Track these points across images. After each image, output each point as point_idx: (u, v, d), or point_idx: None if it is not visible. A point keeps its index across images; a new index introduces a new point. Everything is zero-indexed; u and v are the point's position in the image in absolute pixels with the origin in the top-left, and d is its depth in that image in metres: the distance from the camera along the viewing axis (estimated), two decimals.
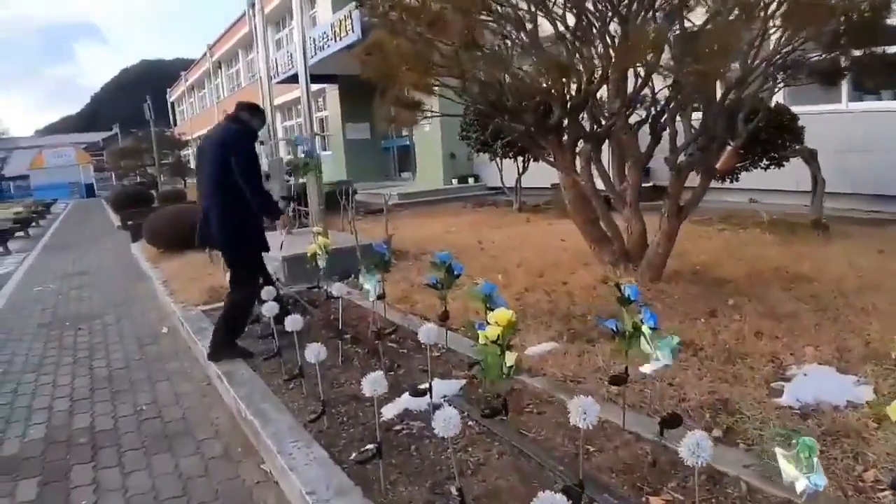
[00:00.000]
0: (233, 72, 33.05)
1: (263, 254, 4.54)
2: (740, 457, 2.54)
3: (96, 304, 7.11)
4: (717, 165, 4.10)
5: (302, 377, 3.40)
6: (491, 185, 14.29)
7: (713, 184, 7.16)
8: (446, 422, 1.96)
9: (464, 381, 3.46)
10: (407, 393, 3.28)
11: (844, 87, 8.30)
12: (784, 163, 7.17)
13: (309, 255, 4.97)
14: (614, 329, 2.70)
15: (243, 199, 4.07)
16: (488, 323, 3.05)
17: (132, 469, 3.15)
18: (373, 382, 2.28)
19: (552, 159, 4.79)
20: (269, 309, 3.70)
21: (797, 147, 7.00)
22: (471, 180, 14.74)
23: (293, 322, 3.27)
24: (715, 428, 2.74)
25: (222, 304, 5.73)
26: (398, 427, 2.97)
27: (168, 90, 49.25)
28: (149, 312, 6.50)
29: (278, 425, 3.07)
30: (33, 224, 18.90)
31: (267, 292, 4.06)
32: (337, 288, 3.84)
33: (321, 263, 4.52)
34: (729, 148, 3.99)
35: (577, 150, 4.80)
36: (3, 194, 42.25)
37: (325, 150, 20.27)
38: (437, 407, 3.05)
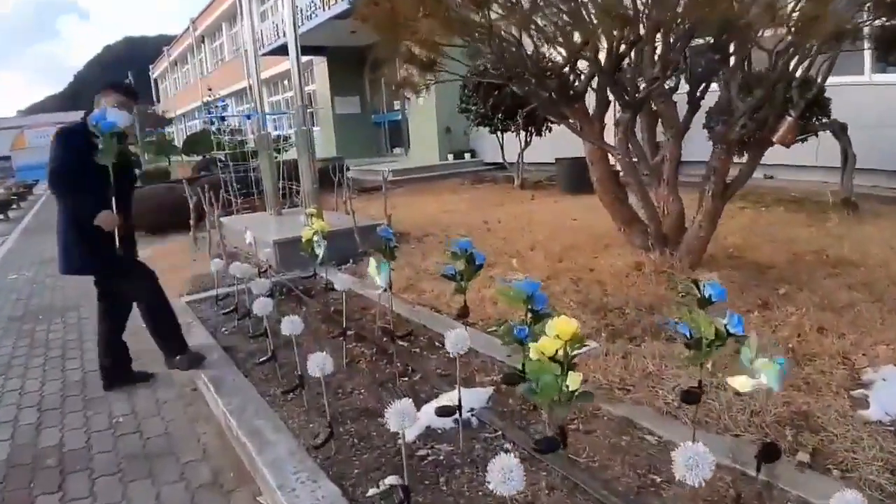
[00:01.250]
0: (217, 45, 32.02)
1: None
2: (836, 487, 2.10)
3: (71, 294, 6.55)
4: (775, 138, 3.62)
5: (302, 388, 2.91)
6: (489, 160, 13.75)
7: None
8: (505, 475, 1.49)
9: (491, 390, 3.00)
10: (427, 407, 2.81)
11: (867, 58, 7.82)
12: (809, 137, 6.70)
13: (304, 240, 4.45)
14: (687, 335, 2.22)
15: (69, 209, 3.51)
16: (528, 326, 2.58)
17: (106, 501, 2.67)
18: (400, 414, 1.80)
19: (579, 130, 4.27)
20: (261, 306, 3.19)
21: (825, 120, 6.53)
22: (467, 156, 14.17)
23: (291, 325, 2.77)
24: (800, 451, 2.29)
25: (208, 294, 5.26)
26: (422, 452, 2.50)
27: (151, 66, 47.88)
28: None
29: (277, 449, 2.59)
30: (13, 206, 18.14)
31: (258, 285, 3.56)
32: (340, 281, 3.34)
33: (319, 251, 4.00)
34: (789, 119, 3.51)
35: (611, 120, 4.28)
36: None
37: (314, 125, 19.58)
38: (465, 424, 2.60)
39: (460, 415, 2.48)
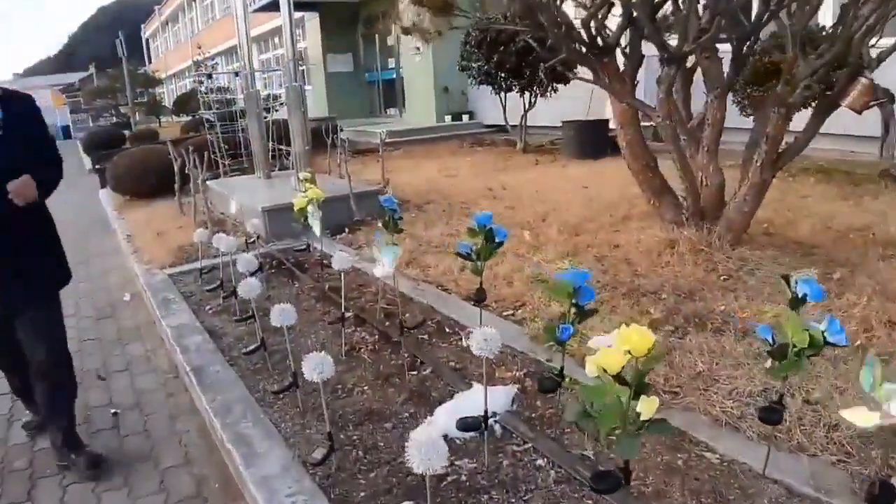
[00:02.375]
0: (208, 3, 30.96)
1: None
2: None
3: None
4: (845, 103, 3.17)
5: (297, 387, 2.51)
6: (488, 122, 13.18)
7: (739, 122, 6.24)
8: None
9: (514, 389, 2.61)
10: (442, 410, 2.43)
11: None
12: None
13: (297, 208, 4.00)
14: (770, 341, 1.83)
15: None
16: (572, 323, 2.18)
17: None
18: (427, 451, 1.41)
19: (608, 88, 3.80)
20: (248, 288, 2.77)
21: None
22: (465, 117, 13.57)
23: (282, 314, 2.35)
24: None
25: (192, 266, 4.82)
26: (439, 471, 2.12)
27: (142, 26, 46.39)
28: (109, 274, 5.54)
29: (268, 463, 2.20)
30: None
31: (245, 261, 3.13)
32: (339, 259, 2.91)
33: (314, 224, 3.56)
34: (863, 80, 3.06)
35: (638, 78, 3.81)
36: None
37: (305, 83, 18.82)
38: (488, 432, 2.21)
39: (485, 427, 2.10)
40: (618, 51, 3.87)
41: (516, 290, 3.55)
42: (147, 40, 46.48)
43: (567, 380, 2.44)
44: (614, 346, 1.55)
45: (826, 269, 3.46)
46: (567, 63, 4.06)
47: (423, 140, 12.22)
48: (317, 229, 3.56)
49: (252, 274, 3.04)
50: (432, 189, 6.87)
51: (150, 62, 43.34)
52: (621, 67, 3.90)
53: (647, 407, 1.56)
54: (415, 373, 2.82)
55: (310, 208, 3.55)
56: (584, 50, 3.68)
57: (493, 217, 4.96)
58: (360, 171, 7.70)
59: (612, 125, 9.60)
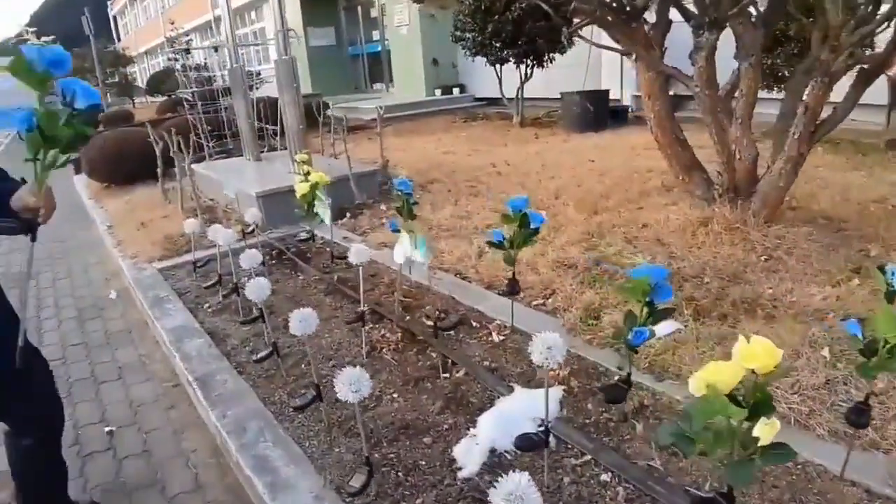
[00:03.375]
0: None
1: None
2: None
3: (17, 258, 5.71)
4: (893, 71, 2.90)
5: (321, 400, 2.22)
6: (480, 95, 12.80)
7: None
8: None
9: (560, 391, 2.35)
10: (485, 419, 2.16)
11: None
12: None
13: (299, 195, 3.68)
14: (860, 336, 1.58)
15: None
16: (646, 325, 1.91)
17: None
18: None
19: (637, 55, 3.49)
20: (256, 290, 2.46)
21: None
22: (456, 91, 13.16)
23: (303, 322, 2.05)
24: None
25: (184, 259, 4.49)
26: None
27: (109, 2, 44.73)
28: (92, 269, 5.17)
29: (297, 494, 1.92)
30: None
31: (249, 258, 2.81)
32: (357, 253, 2.60)
33: (323, 213, 3.24)
34: None
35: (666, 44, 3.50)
36: None
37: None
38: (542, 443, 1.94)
39: (546, 445, 1.83)
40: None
41: (543, 278, 3.27)
42: (115, 17, 44.90)
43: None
44: (731, 361, 1.28)
45: (860, 245, 3.23)
46: (570, 29, 3.73)
47: (413, 115, 11.82)
48: (326, 219, 3.25)
49: (259, 273, 2.73)
50: (432, 167, 6.54)
51: (119, 40, 41.94)
52: None
53: (766, 431, 1.30)
54: (447, 375, 2.54)
55: (319, 196, 3.22)
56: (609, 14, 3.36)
57: (504, 196, 4.67)
58: (351, 150, 7.25)
59: (612, 95, 9.32)
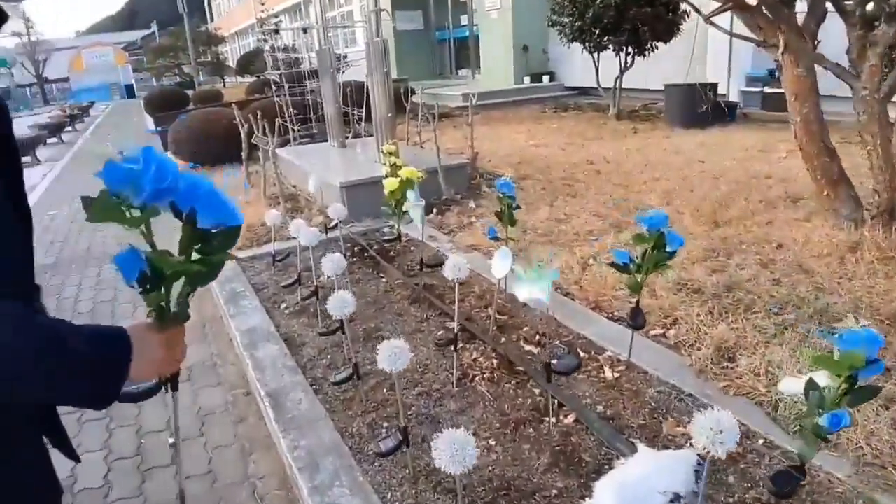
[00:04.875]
0: None
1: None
2: None
3: (109, 239, 5.72)
4: None
5: (408, 446, 1.88)
6: (570, 84, 12.18)
7: (828, 89, 5.16)
8: None
9: (694, 457, 1.90)
10: (604, 486, 1.76)
11: None
12: None
13: (387, 191, 3.36)
14: None
15: None
16: (844, 401, 1.46)
17: None
18: None
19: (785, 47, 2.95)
20: (339, 304, 2.13)
21: None
22: (545, 79, 12.58)
23: (392, 356, 1.70)
24: None
25: (263, 250, 4.29)
26: None
27: None
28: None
29: None
30: (68, 129, 17.58)
31: (333, 263, 2.49)
32: (454, 267, 2.24)
33: (416, 216, 2.90)
34: None
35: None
36: (45, 97, 41.41)
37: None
38: None
39: None
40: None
41: (663, 303, 2.81)
42: None
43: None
44: None
45: None
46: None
47: (500, 104, 11.36)
48: (418, 221, 2.90)
49: (341, 281, 2.42)
50: (524, 161, 6.12)
51: (211, 20, 43.42)
52: None
53: None
54: (553, 421, 2.14)
55: (409, 196, 2.88)
56: None
57: (606, 198, 4.18)
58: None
59: (720, 90, 8.55)
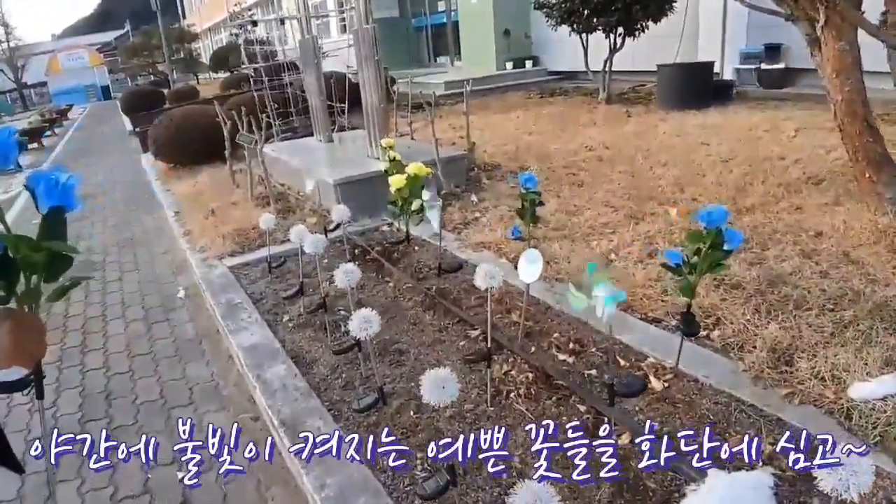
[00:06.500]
0: None
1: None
2: None
3: (97, 245, 5.40)
4: None
5: (454, 486, 1.66)
6: (554, 68, 11.96)
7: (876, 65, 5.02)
8: None
9: (769, 476, 1.71)
10: None
11: None
12: None
13: (393, 189, 3.11)
14: None
15: None
16: None
17: None
18: None
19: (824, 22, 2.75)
20: (361, 324, 1.90)
21: None
22: (528, 64, 12.34)
23: (437, 386, 1.48)
24: None
25: (255, 255, 4.03)
26: None
27: None
28: (159, 260, 4.79)
29: None
30: (47, 133, 16.96)
31: (346, 274, 2.25)
32: (485, 274, 2.01)
33: (432, 217, 2.66)
34: None
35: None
36: (25, 102, 40.16)
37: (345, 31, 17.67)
38: None
39: None
40: None
41: (702, 301, 2.61)
42: None
43: None
44: None
45: None
46: None
47: (483, 91, 11.11)
48: (435, 222, 2.67)
49: (358, 303, 2.18)
50: (520, 150, 5.89)
51: (184, 18, 42.53)
52: None
53: None
54: (612, 457, 1.93)
55: (424, 194, 2.64)
56: None
57: (615, 186, 3.96)
58: (421, 129, 6.73)
59: (716, 69, 8.38)
